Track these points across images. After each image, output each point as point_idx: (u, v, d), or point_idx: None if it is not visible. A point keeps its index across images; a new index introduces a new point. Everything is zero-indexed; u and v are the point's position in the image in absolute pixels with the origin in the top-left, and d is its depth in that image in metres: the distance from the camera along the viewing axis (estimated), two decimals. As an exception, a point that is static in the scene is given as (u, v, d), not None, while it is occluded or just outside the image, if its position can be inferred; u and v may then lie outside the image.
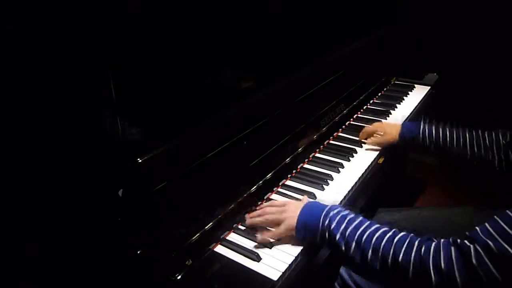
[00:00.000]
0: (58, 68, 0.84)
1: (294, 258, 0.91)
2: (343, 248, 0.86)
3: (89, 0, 0.78)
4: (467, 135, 1.20)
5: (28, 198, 0.93)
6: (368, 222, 0.87)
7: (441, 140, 1.22)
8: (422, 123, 1.26)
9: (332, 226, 0.87)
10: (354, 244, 0.84)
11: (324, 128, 1.37)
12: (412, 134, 1.26)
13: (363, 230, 0.85)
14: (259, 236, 0.94)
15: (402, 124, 1.31)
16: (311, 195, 1.10)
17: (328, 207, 0.92)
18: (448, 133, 1.22)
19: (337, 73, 1.47)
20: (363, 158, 1.29)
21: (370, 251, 0.82)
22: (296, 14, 1.39)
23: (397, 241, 0.80)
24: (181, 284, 0.83)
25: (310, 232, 0.91)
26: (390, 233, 0.83)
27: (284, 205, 0.98)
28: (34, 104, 0.87)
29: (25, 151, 0.90)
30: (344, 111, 1.49)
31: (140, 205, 0.87)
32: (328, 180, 1.17)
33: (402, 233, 0.82)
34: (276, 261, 0.90)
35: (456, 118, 1.26)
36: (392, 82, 1.89)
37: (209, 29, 1.06)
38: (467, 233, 0.76)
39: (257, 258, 0.90)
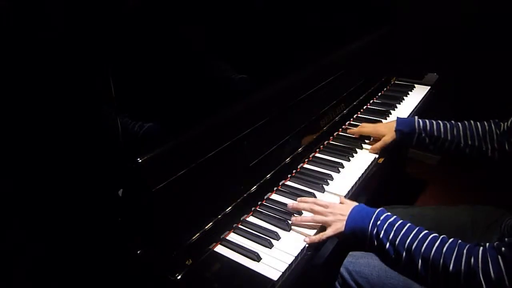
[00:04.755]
0: (58, 67, 0.84)
1: (294, 258, 0.91)
2: (393, 256, 0.88)
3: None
4: (460, 125, 1.22)
5: (28, 198, 0.93)
6: (416, 230, 0.88)
7: (435, 131, 1.23)
8: (416, 118, 1.28)
9: (381, 235, 0.89)
10: (404, 252, 0.86)
11: (324, 128, 1.37)
12: (408, 128, 1.27)
13: (412, 238, 0.86)
14: (307, 239, 0.96)
15: (397, 120, 1.32)
16: (311, 195, 1.10)
17: (376, 213, 0.93)
18: (442, 124, 1.24)
19: (337, 73, 1.47)
20: (363, 158, 1.29)
21: (420, 261, 0.84)
22: (296, 14, 1.39)
23: (446, 250, 0.82)
24: (181, 284, 0.83)
25: (359, 237, 0.93)
26: (438, 242, 0.84)
27: (330, 207, 1.00)
28: (34, 103, 0.87)
29: (25, 151, 0.90)
30: (344, 111, 1.49)
31: (140, 205, 0.87)
32: (328, 180, 1.17)
33: (450, 241, 0.84)
34: (276, 261, 0.90)
35: (456, 118, 1.26)
36: (392, 82, 1.89)
37: (209, 28, 1.06)
38: (506, 239, 0.78)
39: (257, 258, 0.90)
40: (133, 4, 0.89)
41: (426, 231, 0.88)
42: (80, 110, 0.87)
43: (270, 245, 0.94)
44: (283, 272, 0.87)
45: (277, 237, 0.96)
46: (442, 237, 0.85)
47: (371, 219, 0.92)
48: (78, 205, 0.94)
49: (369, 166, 1.26)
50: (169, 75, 0.99)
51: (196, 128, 0.97)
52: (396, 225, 0.89)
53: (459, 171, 2.29)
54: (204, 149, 0.96)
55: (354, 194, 1.17)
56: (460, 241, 0.84)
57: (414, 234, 0.87)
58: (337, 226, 0.95)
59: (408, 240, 0.86)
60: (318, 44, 1.48)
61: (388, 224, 0.90)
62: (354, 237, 0.94)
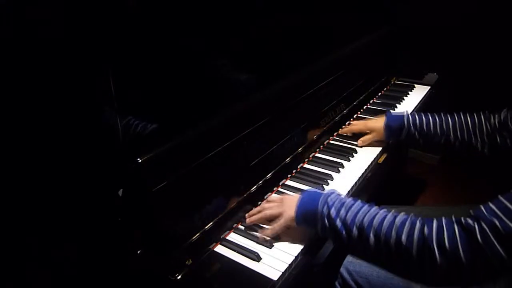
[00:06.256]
0: (58, 67, 0.84)
1: (294, 257, 0.91)
2: (344, 234, 0.85)
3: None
4: (450, 119, 1.22)
5: (27, 198, 0.93)
6: (367, 206, 0.86)
7: (425, 126, 1.23)
8: (405, 112, 1.28)
9: (331, 211, 0.86)
10: (354, 228, 0.83)
11: (324, 128, 1.37)
12: (397, 123, 1.27)
13: (362, 214, 0.83)
14: (259, 234, 0.94)
15: (386, 115, 1.32)
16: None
17: (325, 193, 0.91)
18: (431, 119, 1.23)
19: (337, 73, 1.47)
20: (363, 158, 1.29)
21: (371, 234, 0.81)
22: (296, 14, 1.39)
23: (399, 221, 0.79)
24: (181, 284, 0.82)
25: (310, 220, 0.90)
26: (390, 215, 0.82)
27: (282, 200, 0.99)
28: (34, 103, 0.87)
29: (24, 151, 0.90)
30: (344, 111, 1.49)
31: (140, 205, 0.87)
32: (328, 180, 1.17)
33: (402, 214, 0.81)
34: (276, 261, 0.90)
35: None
36: (392, 82, 1.89)
37: (209, 28, 1.06)
38: (471, 211, 0.76)
39: (257, 258, 0.90)
40: (134, 4, 0.89)
41: (377, 207, 0.85)
42: (81, 110, 0.87)
43: (270, 245, 0.94)
44: (283, 272, 0.87)
45: (278, 237, 0.96)
46: (393, 212, 0.83)
47: (320, 200, 0.89)
48: (78, 205, 0.94)
49: (369, 166, 1.26)
50: (170, 75, 0.99)
51: (196, 128, 0.97)
52: (346, 202, 0.87)
53: (459, 171, 2.29)
54: (204, 149, 0.96)
55: (354, 194, 1.17)
56: (412, 214, 0.81)
57: (364, 209, 0.84)
58: (289, 213, 0.92)
59: (359, 215, 0.83)
60: (318, 44, 1.48)
61: (338, 202, 0.87)
62: (305, 220, 0.91)
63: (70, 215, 0.95)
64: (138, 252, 0.84)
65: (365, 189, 1.21)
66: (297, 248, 0.94)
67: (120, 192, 0.86)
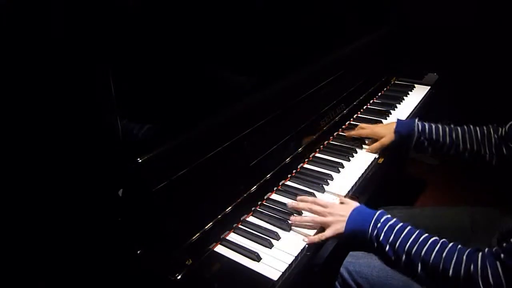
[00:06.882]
0: (58, 67, 0.84)
1: (294, 258, 0.91)
2: (392, 258, 0.88)
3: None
4: (459, 130, 1.23)
5: (27, 198, 0.93)
6: (416, 233, 0.88)
7: (434, 135, 1.24)
8: (416, 120, 1.28)
9: (381, 237, 0.89)
10: (404, 257, 0.87)
11: (324, 128, 1.37)
12: (407, 130, 1.27)
13: (412, 243, 0.87)
14: (306, 239, 0.96)
15: (397, 122, 1.32)
16: (311, 195, 1.10)
17: (376, 215, 0.93)
18: (441, 128, 1.25)
19: (337, 73, 1.47)
20: (363, 158, 1.29)
21: (419, 264, 0.85)
22: (297, 14, 1.39)
23: (446, 255, 0.83)
24: (181, 284, 0.82)
25: (358, 241, 0.93)
26: (438, 246, 0.85)
27: (330, 207, 0.99)
28: (34, 103, 0.87)
29: (24, 151, 0.90)
30: (344, 111, 1.49)
31: (140, 205, 0.87)
32: (328, 180, 1.17)
33: (450, 245, 0.84)
34: (276, 261, 0.90)
35: (456, 118, 1.26)
36: (392, 82, 1.89)
37: (209, 28, 1.06)
38: (504, 245, 0.79)
39: (257, 258, 0.90)
40: (134, 4, 0.89)
41: (426, 235, 0.88)
42: (81, 110, 0.87)
43: (270, 245, 0.94)
44: (283, 272, 0.87)
45: (277, 237, 0.96)
46: (442, 241, 0.86)
47: (371, 222, 0.92)
48: (78, 205, 0.94)
49: (369, 166, 1.26)
50: (170, 75, 0.99)
51: (196, 128, 0.97)
52: (396, 227, 0.90)
53: (460, 171, 2.29)
54: (204, 149, 0.96)
55: (354, 194, 1.16)
56: (460, 246, 0.84)
57: (414, 237, 0.87)
58: (337, 227, 0.95)
59: (408, 243, 0.86)
60: (318, 44, 1.48)
61: (388, 227, 0.90)
62: (354, 239, 0.94)
63: (71, 215, 0.95)
64: (138, 252, 0.84)
65: (365, 189, 1.20)
66: (297, 248, 0.94)
67: (120, 192, 0.86)
